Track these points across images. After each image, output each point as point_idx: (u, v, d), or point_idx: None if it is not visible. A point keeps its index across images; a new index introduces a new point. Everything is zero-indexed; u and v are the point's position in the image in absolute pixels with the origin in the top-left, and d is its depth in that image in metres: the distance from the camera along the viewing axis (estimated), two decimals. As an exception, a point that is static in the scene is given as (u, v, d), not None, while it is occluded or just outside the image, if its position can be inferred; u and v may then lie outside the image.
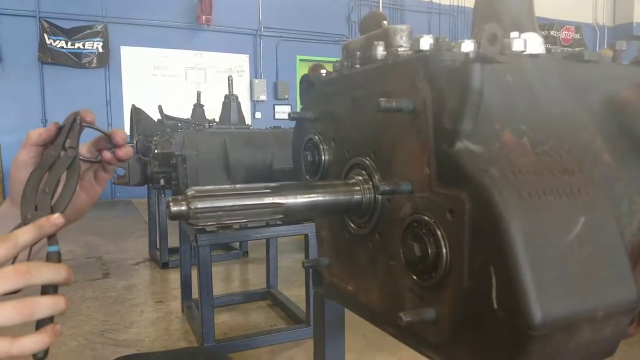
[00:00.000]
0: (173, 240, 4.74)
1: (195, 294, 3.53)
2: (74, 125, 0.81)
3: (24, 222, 0.70)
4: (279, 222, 3.18)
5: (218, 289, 3.62)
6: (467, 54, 0.65)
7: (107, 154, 0.88)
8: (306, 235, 3.07)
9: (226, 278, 4.68)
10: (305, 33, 11.12)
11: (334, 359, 1.16)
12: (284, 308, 3.60)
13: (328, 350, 1.15)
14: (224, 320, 3.48)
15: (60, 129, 0.83)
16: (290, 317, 3.47)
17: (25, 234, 0.66)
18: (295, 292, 3.88)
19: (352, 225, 0.93)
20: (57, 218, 0.70)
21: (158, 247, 4.98)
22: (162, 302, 3.91)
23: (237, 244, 5.37)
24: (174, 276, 4.50)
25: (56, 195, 0.76)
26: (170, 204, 0.72)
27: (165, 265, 4.81)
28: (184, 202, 0.73)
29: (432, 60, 0.68)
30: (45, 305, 0.62)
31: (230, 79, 3.39)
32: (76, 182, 0.78)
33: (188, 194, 0.73)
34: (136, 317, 3.62)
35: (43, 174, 0.78)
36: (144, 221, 6.77)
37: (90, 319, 3.55)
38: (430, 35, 0.70)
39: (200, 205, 0.73)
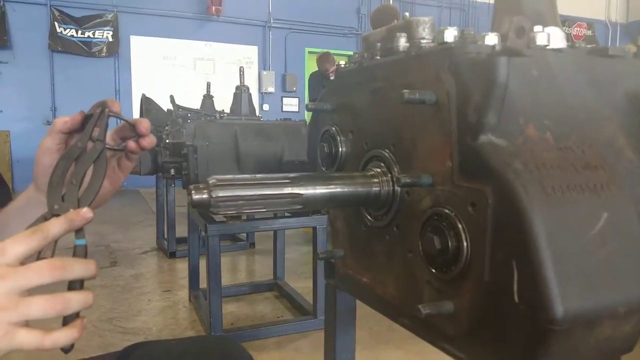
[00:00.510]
0: (180, 231, 4.77)
1: (202, 283, 3.55)
2: (102, 116, 0.82)
3: (51, 213, 0.71)
4: (287, 214, 3.18)
5: (225, 279, 3.64)
6: (493, 46, 0.65)
7: (131, 144, 0.88)
8: (314, 228, 3.07)
9: (233, 269, 4.70)
10: (314, 25, 11.09)
11: (344, 351, 1.16)
12: (291, 300, 3.61)
13: (339, 342, 1.15)
14: (231, 311, 3.50)
15: (85, 118, 0.83)
16: (297, 308, 3.48)
17: (56, 227, 0.66)
18: (301, 284, 3.89)
19: (368, 217, 0.93)
20: (87, 212, 0.70)
21: (166, 236, 5.01)
22: (170, 292, 3.93)
23: (244, 235, 5.39)
24: (181, 266, 4.52)
25: (83, 187, 0.76)
26: (192, 192, 0.73)
27: (172, 255, 4.84)
28: (205, 191, 0.73)
29: (457, 53, 0.67)
30: (77, 300, 0.63)
31: (241, 69, 3.39)
32: (103, 174, 0.78)
33: (210, 182, 0.74)
34: (144, 305, 3.65)
35: (69, 164, 0.78)
36: (152, 211, 6.79)
37: (99, 307, 3.57)
38: (455, 28, 0.70)
39: (221, 193, 0.73)
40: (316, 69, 7.08)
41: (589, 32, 13.59)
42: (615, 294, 0.61)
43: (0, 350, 0.59)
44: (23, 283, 0.60)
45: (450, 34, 0.70)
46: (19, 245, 0.63)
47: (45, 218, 0.70)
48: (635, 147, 0.73)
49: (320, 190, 0.83)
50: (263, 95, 11.00)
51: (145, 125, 0.86)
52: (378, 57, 0.88)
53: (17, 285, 0.60)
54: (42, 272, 0.61)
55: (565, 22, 12.89)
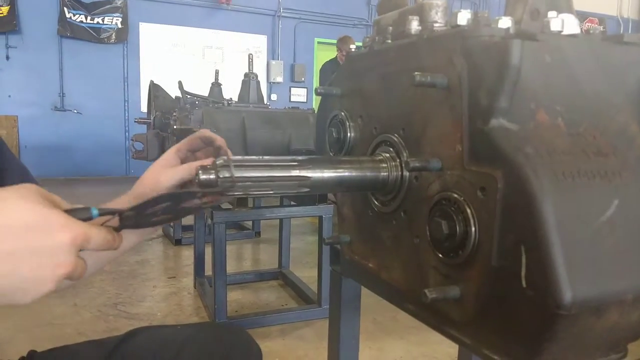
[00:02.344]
0: (186, 218, 4.78)
1: (207, 271, 3.56)
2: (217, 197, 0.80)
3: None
4: (292, 203, 3.18)
5: (230, 267, 3.65)
6: (506, 29, 0.64)
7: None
8: (320, 217, 3.07)
9: (238, 257, 4.71)
10: (324, 15, 11.02)
11: (348, 339, 1.16)
12: (295, 288, 3.62)
13: (343, 330, 1.15)
14: (235, 298, 3.51)
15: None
16: (301, 297, 3.49)
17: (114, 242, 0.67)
18: (306, 274, 3.90)
19: (375, 202, 0.93)
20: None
21: (171, 224, 5.02)
22: (175, 278, 3.95)
23: (250, 224, 5.40)
24: (187, 253, 4.54)
25: None
26: (200, 172, 0.73)
27: (178, 242, 4.86)
28: (213, 171, 0.73)
29: (470, 35, 0.67)
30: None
31: (250, 57, 3.38)
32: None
33: (217, 162, 0.74)
34: (149, 291, 3.66)
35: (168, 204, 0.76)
36: (158, 198, 6.79)
37: (104, 292, 3.59)
38: (468, 11, 0.69)
39: (229, 174, 0.73)
40: (327, 59, 7.05)
41: (601, 28, 13.39)
42: (623, 281, 0.61)
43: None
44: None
45: (464, 17, 0.69)
46: (101, 243, 0.64)
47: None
48: (647, 135, 0.72)
49: (328, 173, 0.82)
50: (271, 85, 10.96)
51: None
52: (389, 41, 0.87)
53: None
54: (101, 237, 0.63)
55: (577, 16, 12.71)
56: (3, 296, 0.58)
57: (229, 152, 0.90)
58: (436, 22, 0.79)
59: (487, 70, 0.65)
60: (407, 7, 0.83)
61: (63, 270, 0.59)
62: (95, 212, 0.66)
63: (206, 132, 0.96)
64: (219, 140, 0.95)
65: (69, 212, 0.62)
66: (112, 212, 0.69)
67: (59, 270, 0.58)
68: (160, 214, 0.73)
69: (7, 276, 0.56)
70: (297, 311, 3.20)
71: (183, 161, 0.97)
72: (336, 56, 6.69)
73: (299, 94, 11.23)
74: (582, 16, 12.68)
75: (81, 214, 0.64)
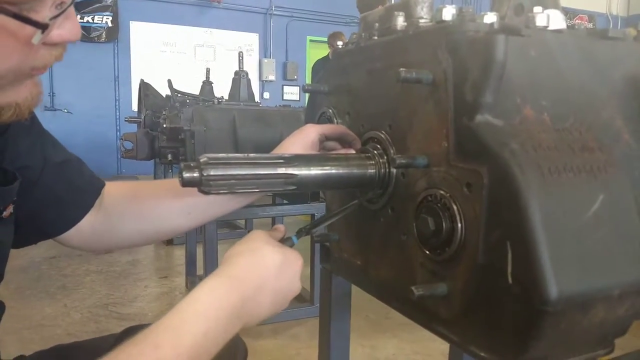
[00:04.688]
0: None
1: (199, 270, 3.55)
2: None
3: None
4: (285, 201, 3.18)
5: (222, 266, 3.63)
6: (491, 24, 0.64)
7: None
8: (312, 215, 3.06)
9: (230, 256, 4.69)
10: (316, 13, 11.00)
11: (339, 337, 1.16)
12: (288, 287, 3.60)
13: (333, 327, 1.15)
14: (227, 297, 3.49)
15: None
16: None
17: None
18: (299, 272, 3.88)
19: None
20: None
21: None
22: (167, 278, 3.93)
23: (243, 222, 5.38)
24: (179, 252, 4.52)
25: None
26: (183, 170, 0.72)
27: (169, 242, 4.83)
28: (196, 169, 0.72)
29: (454, 31, 0.66)
30: None
31: (240, 54, 3.37)
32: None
33: (201, 160, 0.73)
34: (140, 291, 3.65)
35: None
36: (150, 197, 6.76)
37: (94, 292, 3.57)
38: (453, 6, 0.69)
39: (213, 172, 0.72)
40: (319, 57, 7.03)
41: (590, 25, 13.49)
42: (609, 276, 0.60)
43: None
44: None
45: (448, 13, 0.69)
46: None
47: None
48: (633, 130, 0.72)
49: (314, 171, 0.82)
50: (264, 83, 10.93)
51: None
52: (376, 37, 0.86)
53: None
54: None
55: (567, 14, 12.79)
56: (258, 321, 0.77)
57: (359, 144, 0.92)
58: (422, 17, 0.79)
59: (472, 66, 0.64)
60: (394, 3, 0.83)
61: (297, 290, 0.80)
62: (295, 240, 0.86)
63: (343, 128, 0.97)
64: (353, 136, 0.94)
65: (281, 242, 0.83)
66: (306, 233, 0.88)
67: (294, 292, 0.80)
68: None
69: (274, 309, 0.78)
70: (289, 310, 3.19)
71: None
72: (328, 54, 6.66)
73: (291, 92, 11.20)
74: (572, 13, 12.75)
75: (289, 244, 0.84)
